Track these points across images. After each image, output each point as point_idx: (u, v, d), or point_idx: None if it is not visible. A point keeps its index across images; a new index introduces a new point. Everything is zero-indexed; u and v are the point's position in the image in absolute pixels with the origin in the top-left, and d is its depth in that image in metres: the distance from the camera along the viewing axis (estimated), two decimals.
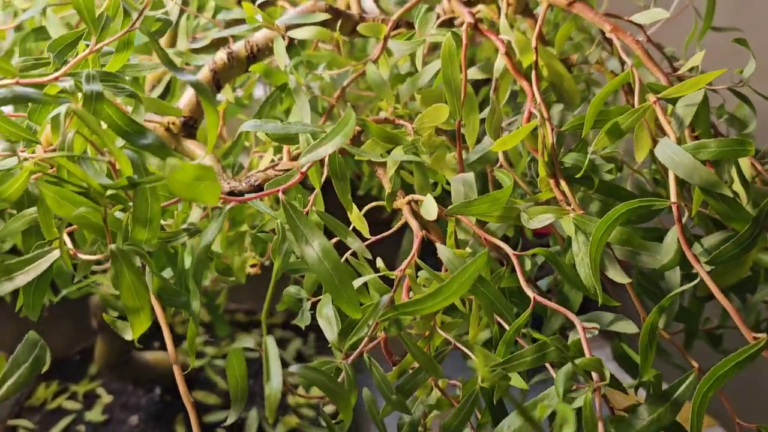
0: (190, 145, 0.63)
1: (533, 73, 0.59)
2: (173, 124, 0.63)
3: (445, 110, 0.59)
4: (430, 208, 0.54)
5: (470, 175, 0.58)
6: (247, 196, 0.47)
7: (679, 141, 0.51)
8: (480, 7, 0.64)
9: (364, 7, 0.74)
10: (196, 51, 0.72)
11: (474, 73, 0.64)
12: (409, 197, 0.59)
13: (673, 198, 0.49)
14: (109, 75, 0.49)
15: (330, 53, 0.68)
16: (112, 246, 0.41)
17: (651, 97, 0.54)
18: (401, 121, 0.62)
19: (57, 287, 0.86)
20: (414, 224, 0.56)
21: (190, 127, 0.64)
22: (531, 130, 0.56)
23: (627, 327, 0.51)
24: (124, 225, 0.43)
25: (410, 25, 0.70)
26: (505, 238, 0.58)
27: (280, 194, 0.45)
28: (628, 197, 0.58)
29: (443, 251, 0.53)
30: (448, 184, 0.58)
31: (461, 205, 0.54)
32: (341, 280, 0.45)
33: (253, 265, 0.83)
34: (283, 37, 0.62)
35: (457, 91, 0.59)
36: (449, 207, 0.54)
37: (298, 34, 0.61)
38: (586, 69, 0.67)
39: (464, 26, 0.60)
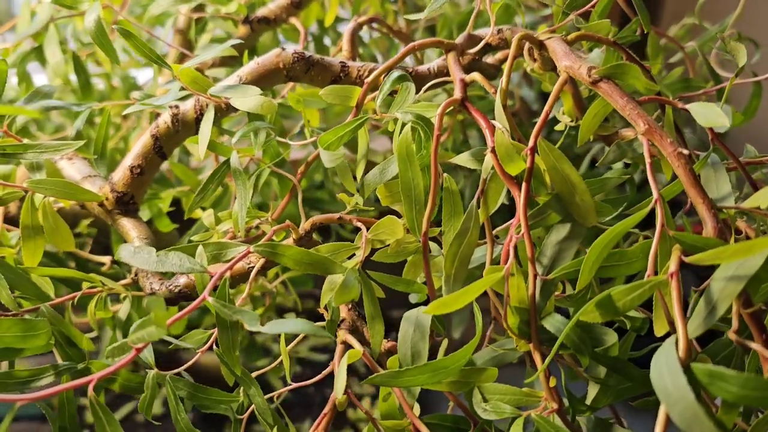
0: (125, 224, 0.54)
1: (524, 186, 0.41)
2: (107, 199, 0.54)
3: (399, 227, 0.45)
4: (339, 385, 0.41)
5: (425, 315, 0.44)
6: None
7: (690, 361, 0.32)
8: (473, 75, 0.46)
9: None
10: None
11: (465, 161, 0.47)
12: (347, 336, 0.46)
13: None
14: None
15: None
16: None
17: (673, 261, 0.35)
18: (359, 223, 0.48)
19: None
20: (340, 383, 0.43)
21: (125, 203, 0.54)
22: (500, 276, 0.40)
23: None
24: None
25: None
26: None
27: (90, 388, 0.35)
28: (636, 377, 0.41)
29: None
30: None
31: (388, 375, 0.40)
32: None
33: None
34: (225, 107, 0.50)
35: (419, 200, 0.44)
36: (371, 376, 0.41)
37: (238, 104, 0.48)
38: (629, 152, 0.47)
39: (439, 109, 0.44)
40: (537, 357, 0.40)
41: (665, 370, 0.32)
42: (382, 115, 0.46)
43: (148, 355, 0.43)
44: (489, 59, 0.57)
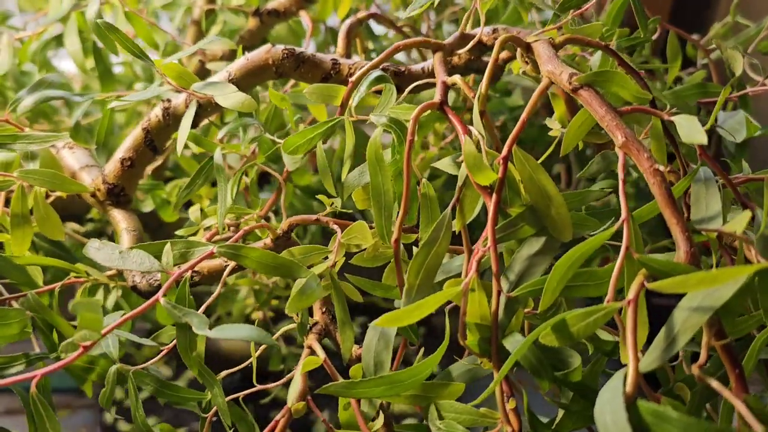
0: (116, 215, 0.55)
1: (493, 197, 0.40)
2: (98, 190, 0.54)
3: (368, 232, 0.43)
4: (292, 392, 0.40)
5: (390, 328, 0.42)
6: None
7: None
8: (455, 78, 0.44)
9: None
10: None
11: (446, 166, 0.45)
12: (312, 342, 0.45)
13: None
14: None
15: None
16: None
17: (633, 287, 0.33)
18: (335, 225, 0.47)
19: None
20: (294, 390, 0.42)
21: (117, 195, 0.54)
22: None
23: None
24: None
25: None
26: None
27: (32, 385, 0.35)
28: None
29: None
30: None
31: (343, 385, 0.39)
32: None
33: None
34: (215, 103, 0.49)
35: (388, 206, 0.42)
36: (325, 385, 0.39)
37: (221, 101, 0.47)
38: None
39: (414, 112, 0.42)
40: (496, 374, 0.38)
41: (608, 405, 0.30)
42: (357, 117, 0.45)
43: (112, 348, 0.43)
44: None
